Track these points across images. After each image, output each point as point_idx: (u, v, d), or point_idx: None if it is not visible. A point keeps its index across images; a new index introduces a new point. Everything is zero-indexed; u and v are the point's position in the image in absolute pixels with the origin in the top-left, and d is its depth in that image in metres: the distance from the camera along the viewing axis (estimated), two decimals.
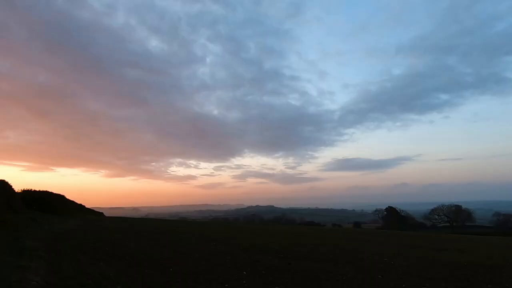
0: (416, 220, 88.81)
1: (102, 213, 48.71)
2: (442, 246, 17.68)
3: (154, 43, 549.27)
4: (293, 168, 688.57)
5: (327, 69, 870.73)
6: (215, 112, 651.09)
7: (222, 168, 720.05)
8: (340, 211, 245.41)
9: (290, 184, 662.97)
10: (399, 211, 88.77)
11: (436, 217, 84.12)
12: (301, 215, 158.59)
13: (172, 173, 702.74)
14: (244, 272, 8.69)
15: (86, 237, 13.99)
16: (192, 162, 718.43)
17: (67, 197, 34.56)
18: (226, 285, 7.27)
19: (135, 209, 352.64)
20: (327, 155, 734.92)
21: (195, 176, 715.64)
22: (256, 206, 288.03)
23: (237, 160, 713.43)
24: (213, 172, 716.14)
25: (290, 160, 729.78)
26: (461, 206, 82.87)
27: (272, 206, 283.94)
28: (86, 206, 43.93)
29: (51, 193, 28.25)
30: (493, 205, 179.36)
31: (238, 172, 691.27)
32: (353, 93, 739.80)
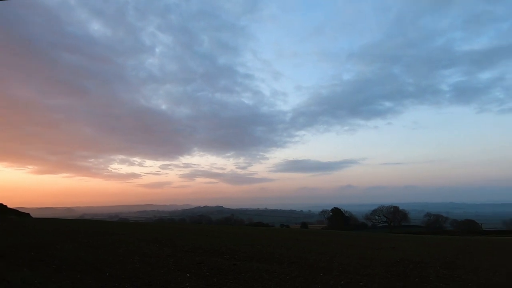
0: (358, 221, 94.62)
1: (28, 214, 43.72)
2: (379, 244, 18.87)
3: (96, 27, 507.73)
4: (243, 168, 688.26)
5: (281, 70, 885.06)
6: (163, 107, 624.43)
7: (169, 167, 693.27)
8: (289, 212, 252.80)
9: (240, 185, 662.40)
10: (343, 212, 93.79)
11: (376, 217, 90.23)
12: (250, 215, 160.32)
13: (113, 170, 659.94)
14: (188, 274, 8.40)
15: (6, 240, 12.54)
16: (136, 159, 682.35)
17: None
18: None
19: (68, 209, 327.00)
20: (277, 156, 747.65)
21: (139, 174, 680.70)
22: (204, 206, 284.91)
23: (185, 159, 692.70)
24: (159, 171, 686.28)
25: (241, 160, 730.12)
26: (398, 207, 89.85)
27: (221, 206, 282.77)
28: (8, 206, 39.54)
29: None
30: (426, 206, 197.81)
31: (186, 171, 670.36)
32: (305, 96, 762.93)
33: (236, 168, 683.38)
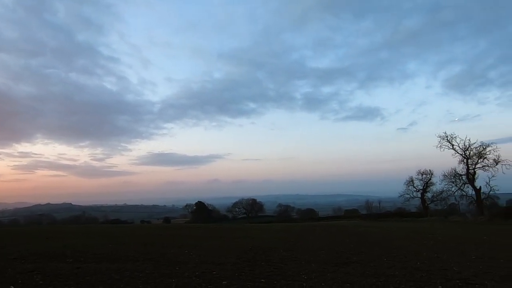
0: (221, 213, 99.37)
1: None
2: (236, 234, 20.29)
3: None
4: (101, 160, 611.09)
5: (151, 58, 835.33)
6: None
7: None
8: (151, 207, 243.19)
9: (96, 178, 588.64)
10: (207, 205, 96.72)
11: (237, 209, 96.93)
12: (106, 212, 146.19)
13: None
14: (12, 286, 6.90)
15: None
16: None
17: None
18: None
19: None
20: (142, 148, 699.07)
21: None
22: (47, 204, 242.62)
23: (23, 147, 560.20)
24: None
25: (99, 151, 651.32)
26: (256, 199, 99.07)
27: (70, 203, 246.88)
28: None
29: None
30: (279, 198, 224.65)
31: (23, 161, 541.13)
32: (175, 88, 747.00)
33: (91, 159, 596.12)
